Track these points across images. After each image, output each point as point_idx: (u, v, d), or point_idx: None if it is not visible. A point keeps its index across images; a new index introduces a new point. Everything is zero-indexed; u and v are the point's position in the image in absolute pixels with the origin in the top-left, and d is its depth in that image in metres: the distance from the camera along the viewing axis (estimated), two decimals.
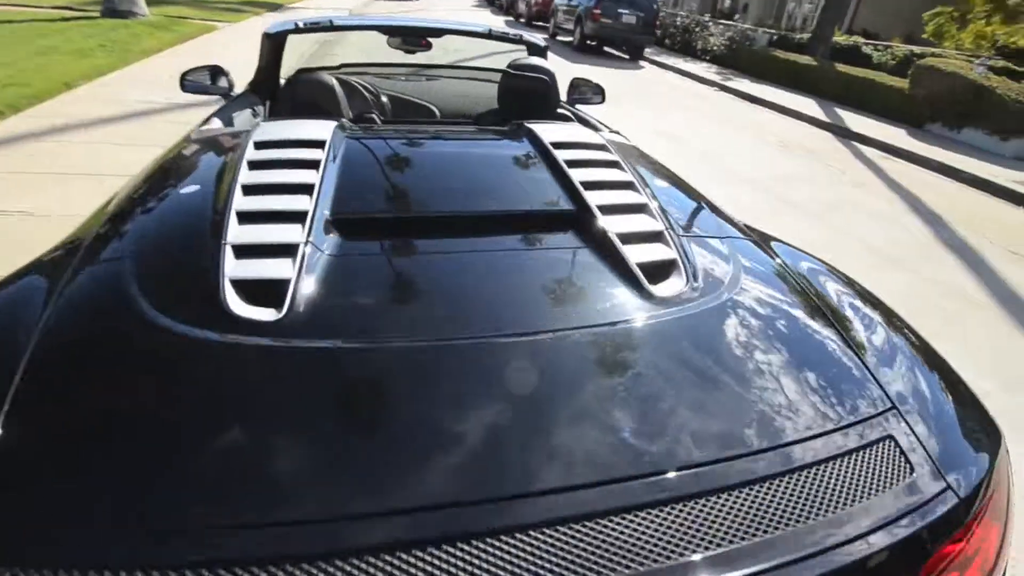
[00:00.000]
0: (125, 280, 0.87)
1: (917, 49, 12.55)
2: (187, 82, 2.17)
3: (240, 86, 2.32)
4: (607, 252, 1.04)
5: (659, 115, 7.40)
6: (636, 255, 1.02)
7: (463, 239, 1.08)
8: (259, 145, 1.22)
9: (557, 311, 0.94)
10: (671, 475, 0.68)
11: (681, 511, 0.64)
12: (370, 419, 0.75)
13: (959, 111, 7.89)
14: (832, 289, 1.17)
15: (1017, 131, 7.37)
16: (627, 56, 13.41)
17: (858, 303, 1.15)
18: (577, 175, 1.23)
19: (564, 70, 9.46)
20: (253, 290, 0.85)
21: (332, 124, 1.34)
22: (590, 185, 1.20)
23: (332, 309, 0.86)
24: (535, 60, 2.27)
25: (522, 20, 18.08)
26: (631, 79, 10.55)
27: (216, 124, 1.75)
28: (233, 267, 0.88)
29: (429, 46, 2.35)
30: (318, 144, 1.22)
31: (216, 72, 2.22)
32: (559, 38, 15.27)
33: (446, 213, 1.16)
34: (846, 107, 9.35)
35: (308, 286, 0.87)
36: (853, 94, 9.60)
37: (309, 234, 0.96)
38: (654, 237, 1.09)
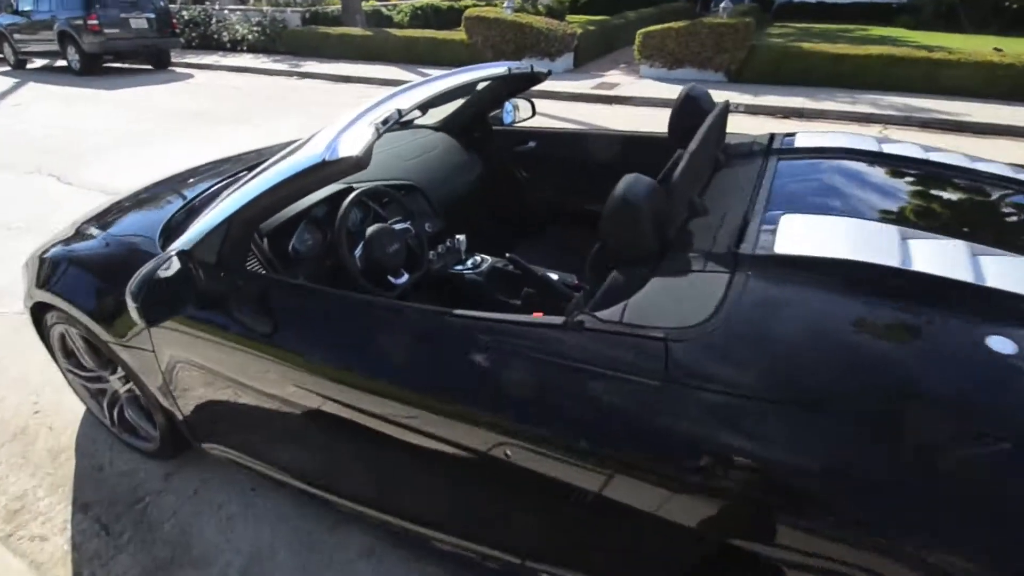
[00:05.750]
0: None
1: (418, 2, 14.32)
2: None
3: None
4: None
5: (285, 122, 6.66)
6: None
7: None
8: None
9: None
10: None
11: None
12: None
13: (515, 46, 9.62)
14: None
15: (558, 52, 9.53)
16: (151, 66, 11.08)
17: None
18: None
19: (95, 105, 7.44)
20: None
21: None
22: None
23: None
24: None
25: None
26: (192, 93, 8.94)
27: None
28: None
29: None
30: None
31: None
32: (36, 64, 11.54)
33: None
34: (427, 66, 10.04)
35: None
36: (419, 53, 10.46)
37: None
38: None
